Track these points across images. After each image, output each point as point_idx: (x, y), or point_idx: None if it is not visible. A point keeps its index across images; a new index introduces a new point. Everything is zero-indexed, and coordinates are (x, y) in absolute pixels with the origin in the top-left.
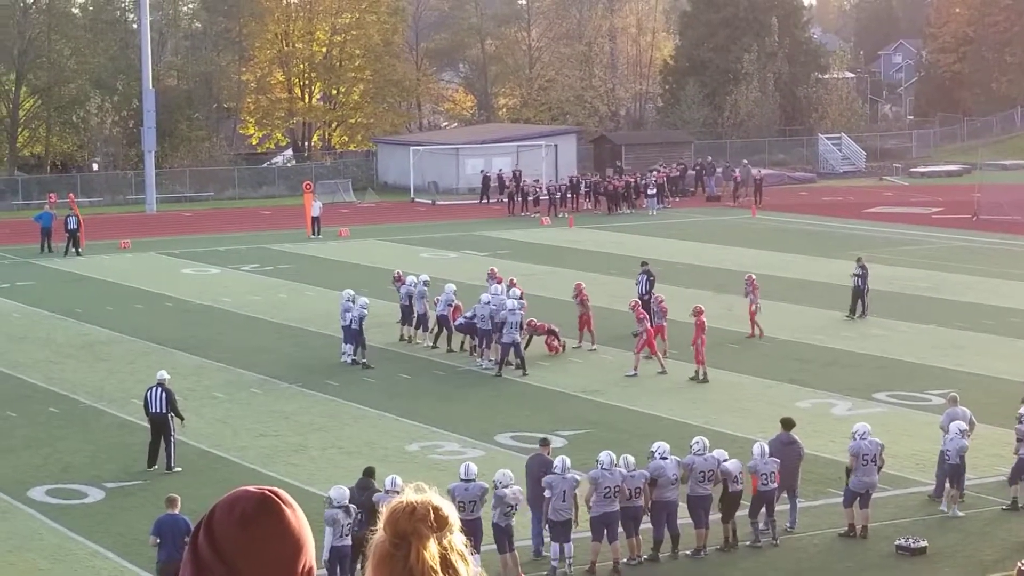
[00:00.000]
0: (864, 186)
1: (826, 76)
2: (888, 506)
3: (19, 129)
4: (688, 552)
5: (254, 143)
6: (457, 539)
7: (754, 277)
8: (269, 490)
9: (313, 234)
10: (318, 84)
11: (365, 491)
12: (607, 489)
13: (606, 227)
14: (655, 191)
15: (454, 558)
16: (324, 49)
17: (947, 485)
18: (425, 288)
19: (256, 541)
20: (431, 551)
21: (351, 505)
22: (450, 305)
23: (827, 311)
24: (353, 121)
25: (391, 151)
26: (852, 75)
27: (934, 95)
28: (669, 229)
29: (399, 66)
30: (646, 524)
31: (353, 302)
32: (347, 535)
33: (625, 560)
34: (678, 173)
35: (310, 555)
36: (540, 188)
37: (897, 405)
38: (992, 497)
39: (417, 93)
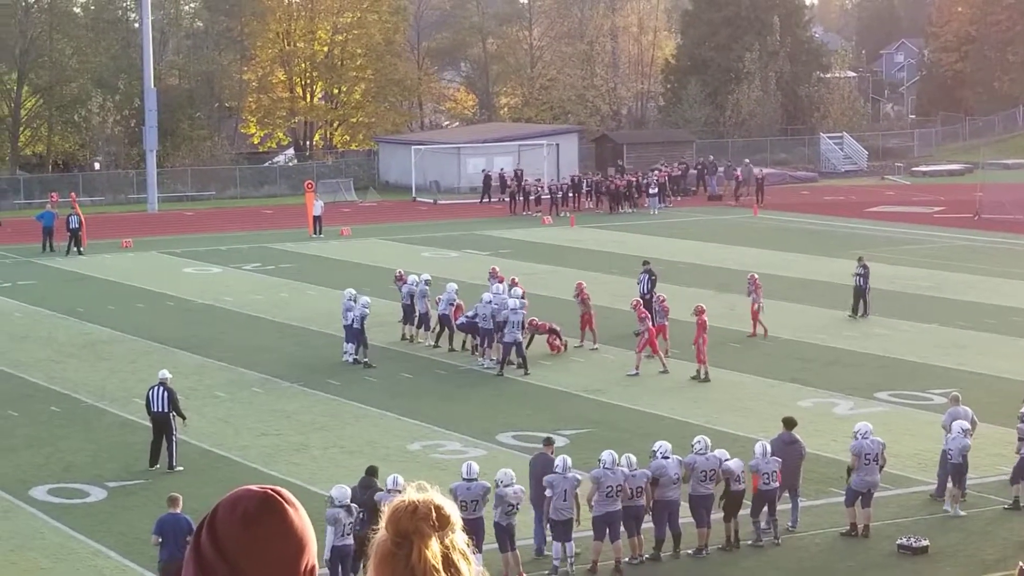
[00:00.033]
0: (866, 185)
1: (828, 75)
2: (890, 505)
3: (21, 128)
4: (690, 551)
5: (256, 142)
6: (459, 538)
7: (757, 276)
8: (272, 489)
9: (315, 233)
10: (320, 83)
11: (367, 490)
12: (609, 488)
13: (608, 226)
14: (656, 190)
15: (456, 557)
16: (326, 48)
17: (949, 484)
18: (427, 287)
19: (259, 540)
20: (433, 550)
21: (353, 504)
22: (452, 304)
23: (829, 310)
24: (355, 120)
25: (393, 150)
26: (854, 74)
27: (936, 94)
28: (671, 228)
29: (400, 65)
30: (648, 523)
31: (355, 301)
32: (349, 534)
33: (627, 559)
34: (679, 172)
35: (312, 554)
36: (542, 187)
37: (899, 404)
38: (994, 496)
39: (418, 92)
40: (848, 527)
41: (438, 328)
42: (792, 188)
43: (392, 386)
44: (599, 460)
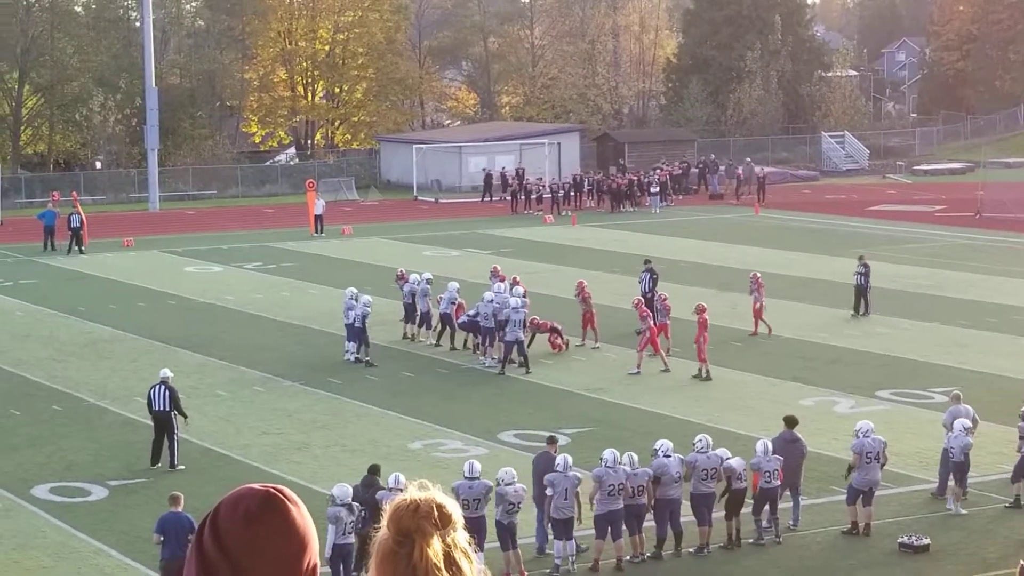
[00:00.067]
0: (867, 184)
1: (829, 74)
2: (891, 504)
3: (22, 127)
4: (691, 550)
5: (257, 141)
6: (461, 537)
7: (759, 275)
8: (274, 487)
9: (316, 232)
10: (321, 82)
11: (370, 488)
12: (611, 487)
13: (609, 225)
14: (658, 189)
15: (458, 555)
16: (327, 47)
17: (951, 482)
18: (428, 286)
19: (261, 539)
20: (435, 549)
21: (354, 503)
22: (453, 303)
23: (830, 309)
24: (356, 119)
25: (394, 149)
26: (855, 73)
27: (937, 93)
28: (672, 227)
29: (402, 64)
30: (649, 522)
31: (356, 300)
32: (350, 533)
33: (628, 558)
34: (680, 171)
35: (315, 553)
36: (543, 186)
37: (900, 403)
38: (995, 495)
39: (420, 91)
40: (849, 525)
41: (439, 327)
42: (793, 187)
43: (393, 385)
44: (601, 459)
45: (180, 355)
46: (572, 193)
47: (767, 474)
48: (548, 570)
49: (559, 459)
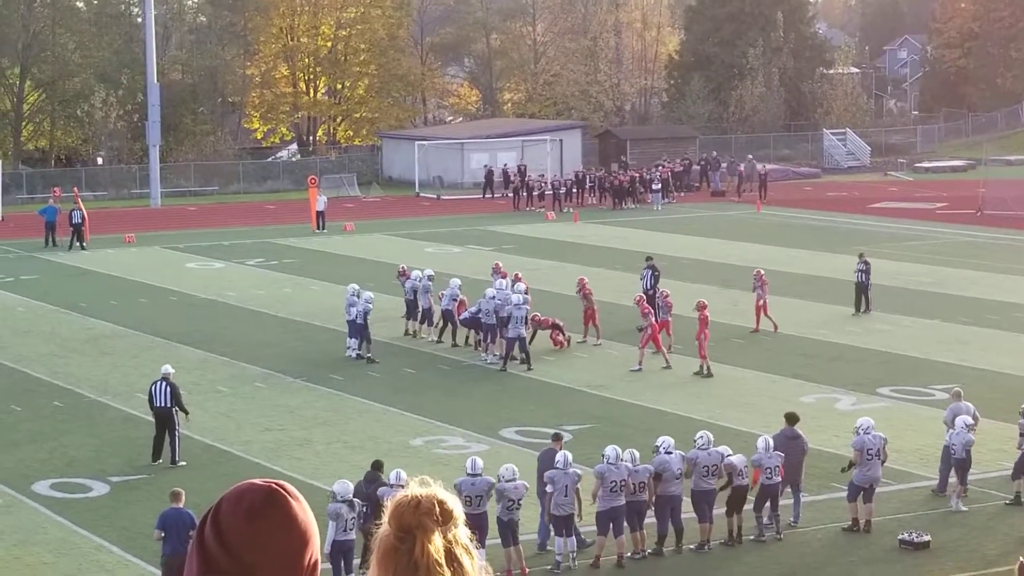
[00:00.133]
0: (869, 181)
1: (831, 71)
2: (892, 501)
3: (23, 123)
4: (692, 546)
5: (259, 137)
6: (462, 533)
7: (763, 272)
8: (276, 483)
9: (318, 228)
10: (323, 78)
11: (372, 484)
12: (613, 483)
13: (611, 222)
14: (660, 186)
15: (459, 552)
16: (329, 43)
17: (953, 479)
18: (430, 283)
19: (263, 534)
20: (436, 545)
21: (355, 499)
22: (455, 300)
23: (831, 306)
24: (358, 115)
25: (396, 145)
26: (857, 70)
27: (939, 90)
28: (674, 224)
29: (404, 60)
30: (650, 518)
31: (358, 296)
32: (351, 529)
33: (630, 554)
34: (682, 168)
35: (316, 548)
36: (545, 183)
37: (901, 400)
38: (995, 492)
39: (422, 88)
40: (850, 522)
41: (441, 323)
42: (795, 184)
43: (395, 381)
44: (603, 455)
45: (181, 351)
46: (574, 190)
47: (768, 471)
48: (549, 566)
49: (559, 456)
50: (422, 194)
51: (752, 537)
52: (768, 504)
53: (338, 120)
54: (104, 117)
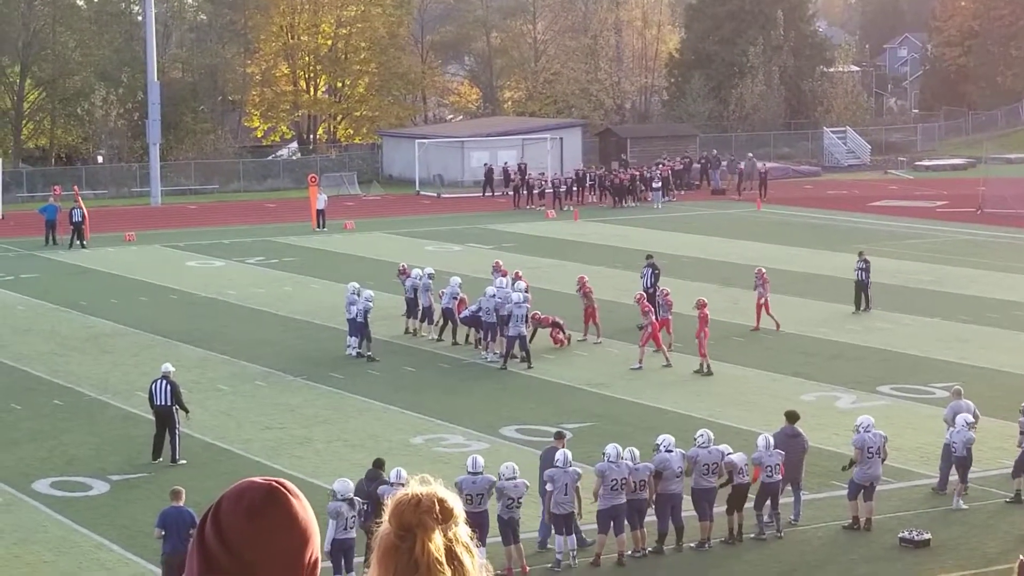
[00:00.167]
0: (869, 180)
1: (831, 70)
2: (892, 499)
3: (24, 121)
4: (692, 544)
5: (259, 136)
6: (462, 531)
7: (764, 271)
8: (276, 481)
9: (318, 227)
10: (323, 77)
11: (374, 482)
12: (613, 482)
13: (611, 220)
14: (660, 184)
15: (459, 550)
16: (329, 42)
17: (954, 477)
18: (430, 281)
19: (263, 532)
20: (436, 543)
21: (356, 497)
22: (455, 298)
23: (831, 304)
24: (358, 114)
25: (396, 144)
26: (857, 69)
27: (939, 89)
28: (674, 222)
29: (404, 59)
30: (651, 516)
31: (358, 295)
32: (351, 528)
33: (630, 552)
34: (682, 166)
35: (317, 546)
36: (545, 181)
37: (901, 398)
38: (996, 490)
39: (422, 86)
40: (850, 520)
41: (441, 322)
42: (795, 182)
43: (395, 380)
44: (603, 454)
45: (182, 349)
46: (574, 188)
47: (768, 469)
48: (550, 564)
49: (558, 454)
50: (422, 192)
51: (752, 535)
52: (769, 502)
53: (338, 118)
54: (104, 115)
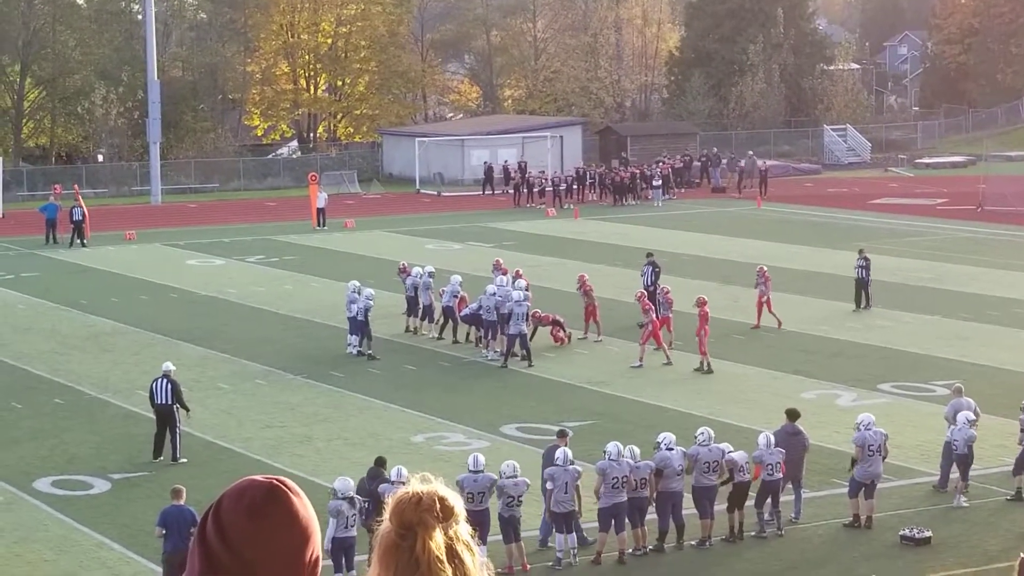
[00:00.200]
0: (869, 177)
1: (831, 67)
2: (893, 496)
3: (24, 120)
4: (693, 542)
5: (259, 134)
6: (463, 529)
7: (766, 268)
8: (277, 479)
9: (318, 225)
10: (323, 75)
11: (375, 480)
12: (615, 480)
13: (611, 218)
14: (660, 182)
15: (460, 548)
16: (329, 40)
17: (955, 474)
18: (430, 279)
19: (264, 531)
20: (437, 541)
21: (356, 496)
22: (455, 296)
23: (832, 302)
24: (358, 112)
25: (396, 142)
26: (857, 66)
27: (939, 86)
28: (674, 220)
29: (404, 57)
30: (651, 515)
31: (359, 293)
32: (352, 526)
33: (631, 551)
34: (683, 164)
35: (318, 544)
36: (545, 179)
37: (902, 396)
38: (996, 488)
39: (422, 84)
40: (851, 518)
41: (442, 320)
42: (795, 180)
43: (396, 378)
44: (604, 452)
45: (182, 348)
46: (574, 186)
47: (769, 467)
48: (550, 563)
49: (558, 453)
50: (422, 191)
51: (753, 533)
52: (769, 500)
53: (338, 117)
54: (104, 114)
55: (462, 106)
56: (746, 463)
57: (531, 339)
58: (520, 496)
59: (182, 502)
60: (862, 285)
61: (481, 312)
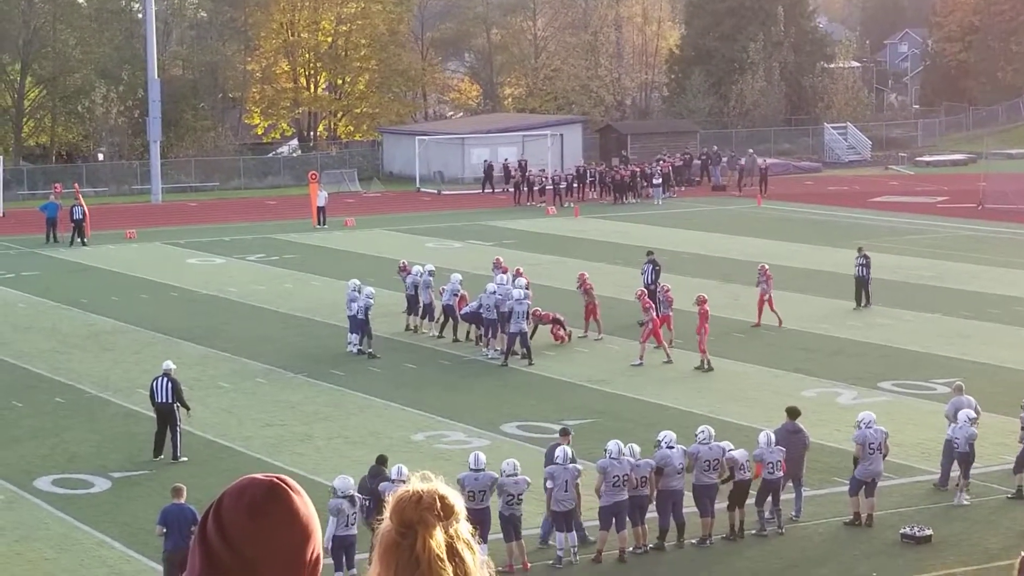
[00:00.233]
0: (870, 175)
1: (832, 65)
2: (893, 495)
3: (24, 119)
4: (694, 541)
5: (259, 133)
6: (463, 528)
7: (767, 267)
8: (278, 478)
9: (319, 224)
10: (323, 74)
11: (376, 478)
12: (615, 478)
13: (612, 217)
14: (660, 180)
15: (460, 547)
16: (329, 39)
17: (956, 473)
18: (431, 278)
19: (265, 529)
20: (437, 540)
21: (356, 494)
22: (456, 295)
23: (832, 300)
24: (358, 111)
25: (396, 141)
26: (858, 64)
27: (940, 84)
28: (675, 218)
29: (404, 56)
30: (652, 513)
31: (359, 292)
32: (352, 525)
33: (631, 549)
34: (683, 162)
35: (318, 542)
36: (546, 178)
37: (902, 394)
38: (997, 486)
39: (423, 83)
40: (852, 516)
41: (442, 319)
42: (796, 178)
43: (396, 376)
44: (605, 450)
45: (182, 347)
46: (575, 185)
47: (770, 465)
48: (551, 561)
49: (558, 451)
50: (423, 189)
51: (754, 531)
52: (770, 498)
53: (339, 115)
54: (105, 113)
55: (462, 104)
56: (747, 461)
57: (532, 337)
58: (520, 494)
59: (183, 501)
60: (862, 283)
61: (481, 310)
